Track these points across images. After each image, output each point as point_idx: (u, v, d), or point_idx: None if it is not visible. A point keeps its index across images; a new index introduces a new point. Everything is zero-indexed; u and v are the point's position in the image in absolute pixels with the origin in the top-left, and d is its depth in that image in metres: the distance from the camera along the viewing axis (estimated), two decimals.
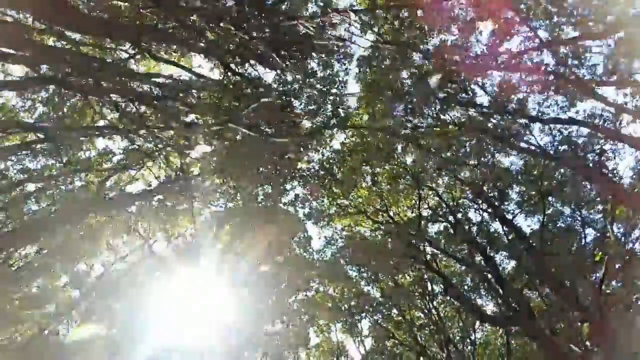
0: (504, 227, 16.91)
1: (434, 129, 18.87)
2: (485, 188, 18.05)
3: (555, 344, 12.94)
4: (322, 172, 19.00)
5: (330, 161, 18.92)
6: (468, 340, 23.19)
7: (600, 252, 16.04)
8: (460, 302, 15.87)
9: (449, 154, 18.75)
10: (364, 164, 18.82)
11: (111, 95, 12.48)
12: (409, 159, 19.64)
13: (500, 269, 17.32)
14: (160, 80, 14.16)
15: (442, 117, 18.78)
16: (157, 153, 15.44)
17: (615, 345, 11.62)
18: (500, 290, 15.04)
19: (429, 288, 21.91)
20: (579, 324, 15.49)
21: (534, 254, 14.65)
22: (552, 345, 12.72)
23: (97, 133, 14.96)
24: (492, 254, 16.74)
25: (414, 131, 18.58)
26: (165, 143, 14.87)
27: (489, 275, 15.82)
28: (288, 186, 19.22)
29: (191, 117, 14.40)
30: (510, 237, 17.02)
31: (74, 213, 14.42)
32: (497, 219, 17.15)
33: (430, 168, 19.22)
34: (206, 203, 18.78)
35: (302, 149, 18.37)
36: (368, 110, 18.79)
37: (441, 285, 19.92)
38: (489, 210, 17.43)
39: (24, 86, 12.74)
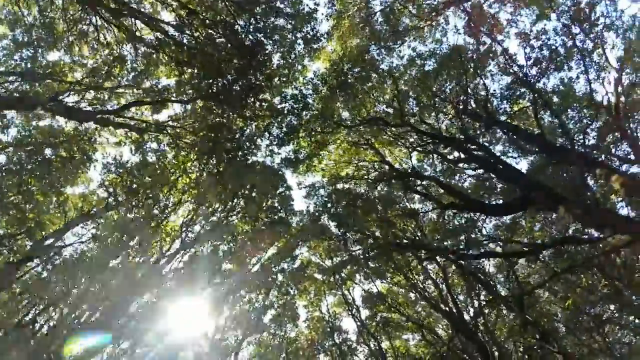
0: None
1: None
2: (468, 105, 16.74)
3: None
4: (296, 106, 17.55)
5: (304, 93, 17.51)
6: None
7: None
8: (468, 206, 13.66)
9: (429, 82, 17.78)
10: (339, 93, 17.40)
11: None
12: (387, 95, 18.60)
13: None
14: None
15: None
16: None
17: None
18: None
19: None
20: None
21: None
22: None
23: None
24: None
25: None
26: None
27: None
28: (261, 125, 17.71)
29: None
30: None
31: None
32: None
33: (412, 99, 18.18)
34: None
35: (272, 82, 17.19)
36: (341, 43, 18.16)
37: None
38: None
39: None
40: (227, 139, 16.61)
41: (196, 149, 15.75)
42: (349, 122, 17.21)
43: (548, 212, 13.39)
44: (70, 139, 17.60)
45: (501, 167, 13.37)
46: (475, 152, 14.44)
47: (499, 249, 18.08)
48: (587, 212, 9.92)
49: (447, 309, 18.07)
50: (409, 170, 16.20)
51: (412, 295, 22.44)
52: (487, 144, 14.89)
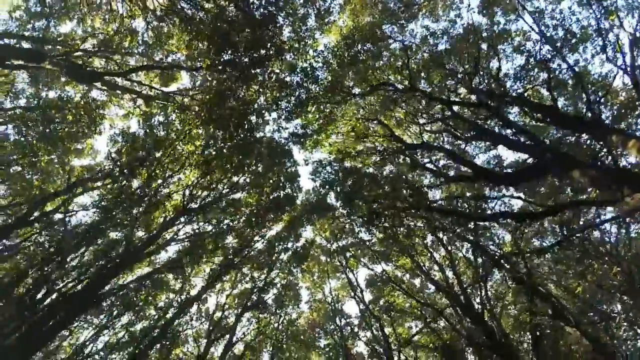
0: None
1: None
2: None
3: None
4: (306, 80, 17.32)
5: (314, 66, 17.27)
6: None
7: None
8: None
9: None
10: (350, 67, 17.15)
11: None
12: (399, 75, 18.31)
13: None
14: None
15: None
16: None
17: None
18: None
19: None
20: None
21: None
22: None
23: None
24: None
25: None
26: None
27: None
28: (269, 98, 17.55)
29: None
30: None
31: None
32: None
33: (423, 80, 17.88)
34: None
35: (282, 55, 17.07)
36: (352, 18, 17.98)
37: None
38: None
39: None
40: (233, 108, 16.44)
41: (202, 115, 15.55)
42: (359, 91, 16.81)
43: (563, 179, 12.99)
44: (78, 106, 17.52)
45: (513, 139, 13.03)
46: (486, 126, 14.12)
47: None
48: (604, 172, 9.57)
49: (453, 292, 17.66)
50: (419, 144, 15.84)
51: (417, 282, 22.09)
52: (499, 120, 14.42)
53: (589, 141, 12.95)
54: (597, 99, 16.72)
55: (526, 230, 16.85)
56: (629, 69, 10.71)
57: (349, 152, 18.36)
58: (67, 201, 18.51)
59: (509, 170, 15.84)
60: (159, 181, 16.85)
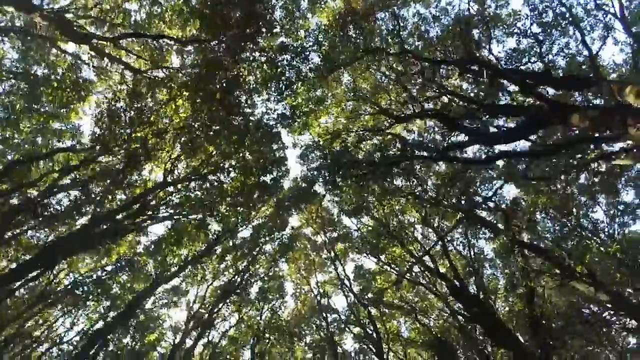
0: None
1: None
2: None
3: None
4: (296, 59, 17.08)
5: (304, 46, 17.07)
6: None
7: None
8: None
9: None
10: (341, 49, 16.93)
11: None
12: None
13: None
14: None
15: None
16: None
17: None
18: None
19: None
20: None
21: None
22: None
23: None
24: None
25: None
26: None
27: None
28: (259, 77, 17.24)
29: None
30: None
31: None
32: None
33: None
34: None
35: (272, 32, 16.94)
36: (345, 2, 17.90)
37: None
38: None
39: None
40: (222, 82, 16.06)
41: (189, 84, 15.14)
42: (347, 61, 16.49)
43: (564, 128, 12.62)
44: (64, 77, 17.04)
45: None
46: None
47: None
48: (603, 111, 9.21)
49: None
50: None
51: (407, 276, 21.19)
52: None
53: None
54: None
55: None
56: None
57: (339, 133, 17.88)
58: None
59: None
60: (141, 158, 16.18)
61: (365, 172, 14.22)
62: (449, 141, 15.56)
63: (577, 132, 11.76)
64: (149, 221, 16.53)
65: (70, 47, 17.56)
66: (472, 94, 15.95)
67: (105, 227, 15.02)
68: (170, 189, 16.92)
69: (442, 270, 19.09)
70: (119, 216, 15.68)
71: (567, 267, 13.16)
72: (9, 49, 18.73)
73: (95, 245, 15.30)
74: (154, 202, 16.43)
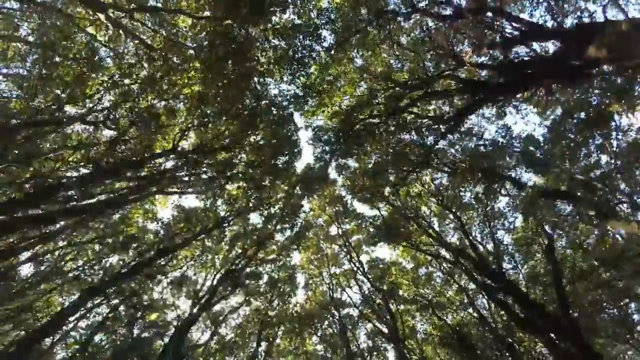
0: None
1: None
2: None
3: None
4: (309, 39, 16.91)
5: (317, 24, 16.90)
6: None
7: None
8: None
9: None
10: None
11: None
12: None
13: None
14: None
15: None
16: None
17: None
18: None
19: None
20: None
21: None
22: None
23: None
24: None
25: None
26: None
27: None
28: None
29: None
30: None
31: None
32: None
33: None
34: None
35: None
36: None
37: None
38: None
39: None
40: (233, 55, 15.92)
41: (201, 55, 15.03)
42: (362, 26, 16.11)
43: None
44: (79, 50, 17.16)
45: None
46: None
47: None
48: (619, 38, 8.64)
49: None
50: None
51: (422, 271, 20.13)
52: None
53: None
54: None
55: None
56: None
57: (352, 107, 17.36)
58: None
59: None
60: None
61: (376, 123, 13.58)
62: None
63: None
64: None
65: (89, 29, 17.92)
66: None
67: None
68: (179, 164, 16.55)
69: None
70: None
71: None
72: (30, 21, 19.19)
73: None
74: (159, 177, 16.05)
